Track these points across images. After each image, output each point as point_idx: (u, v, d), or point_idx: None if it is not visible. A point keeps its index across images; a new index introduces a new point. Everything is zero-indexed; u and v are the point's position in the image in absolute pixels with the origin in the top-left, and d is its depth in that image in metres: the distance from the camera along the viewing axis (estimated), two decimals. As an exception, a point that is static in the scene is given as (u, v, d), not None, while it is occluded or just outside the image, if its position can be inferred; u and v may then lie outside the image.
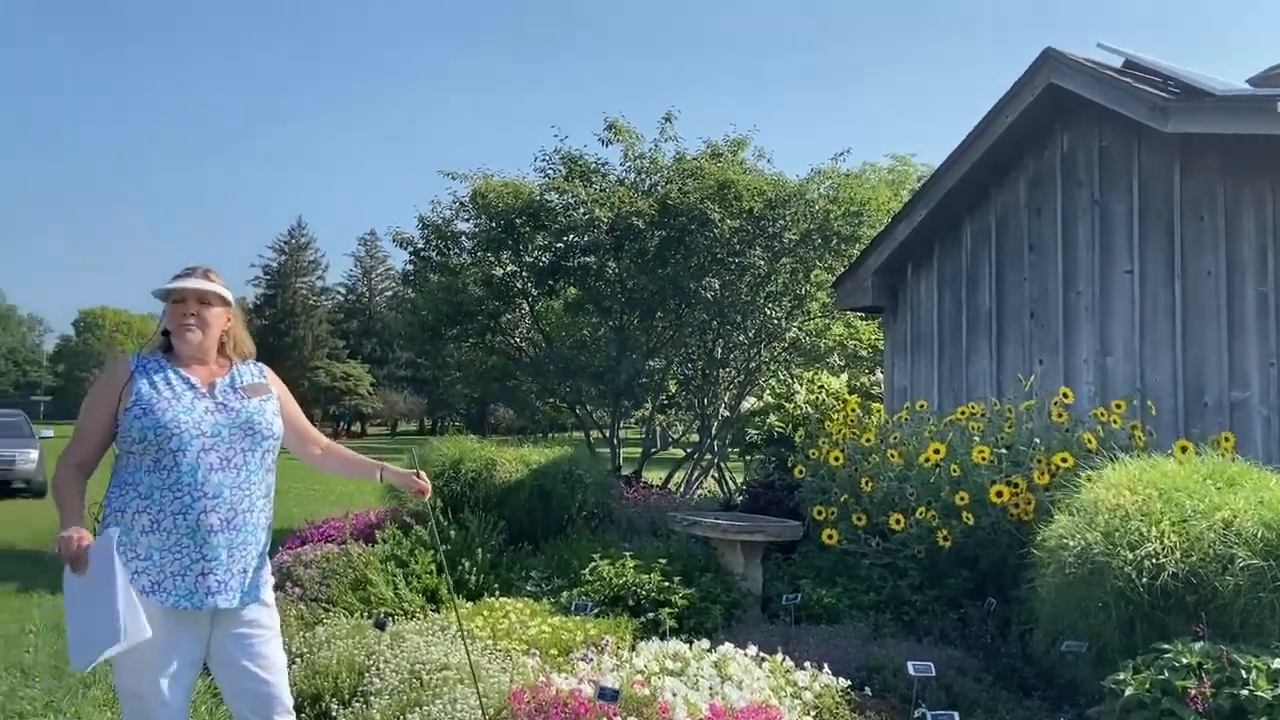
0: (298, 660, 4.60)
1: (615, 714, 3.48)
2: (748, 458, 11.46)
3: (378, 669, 4.32)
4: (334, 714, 4.07)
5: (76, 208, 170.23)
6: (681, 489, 10.85)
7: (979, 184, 7.09)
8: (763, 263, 10.36)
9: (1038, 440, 5.15)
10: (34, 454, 15.82)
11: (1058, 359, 6.48)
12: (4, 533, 10.97)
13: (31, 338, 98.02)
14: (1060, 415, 5.21)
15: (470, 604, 5.44)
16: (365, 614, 5.31)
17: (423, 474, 3.19)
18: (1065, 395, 5.32)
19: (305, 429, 3.17)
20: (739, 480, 10.76)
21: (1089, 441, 4.95)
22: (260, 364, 3.08)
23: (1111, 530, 3.57)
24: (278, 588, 4.96)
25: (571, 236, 10.55)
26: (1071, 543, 3.63)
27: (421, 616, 5.31)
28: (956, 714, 3.39)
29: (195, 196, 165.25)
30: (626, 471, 10.55)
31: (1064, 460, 4.82)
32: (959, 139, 6.96)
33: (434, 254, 11.52)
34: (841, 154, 10.59)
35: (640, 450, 12.60)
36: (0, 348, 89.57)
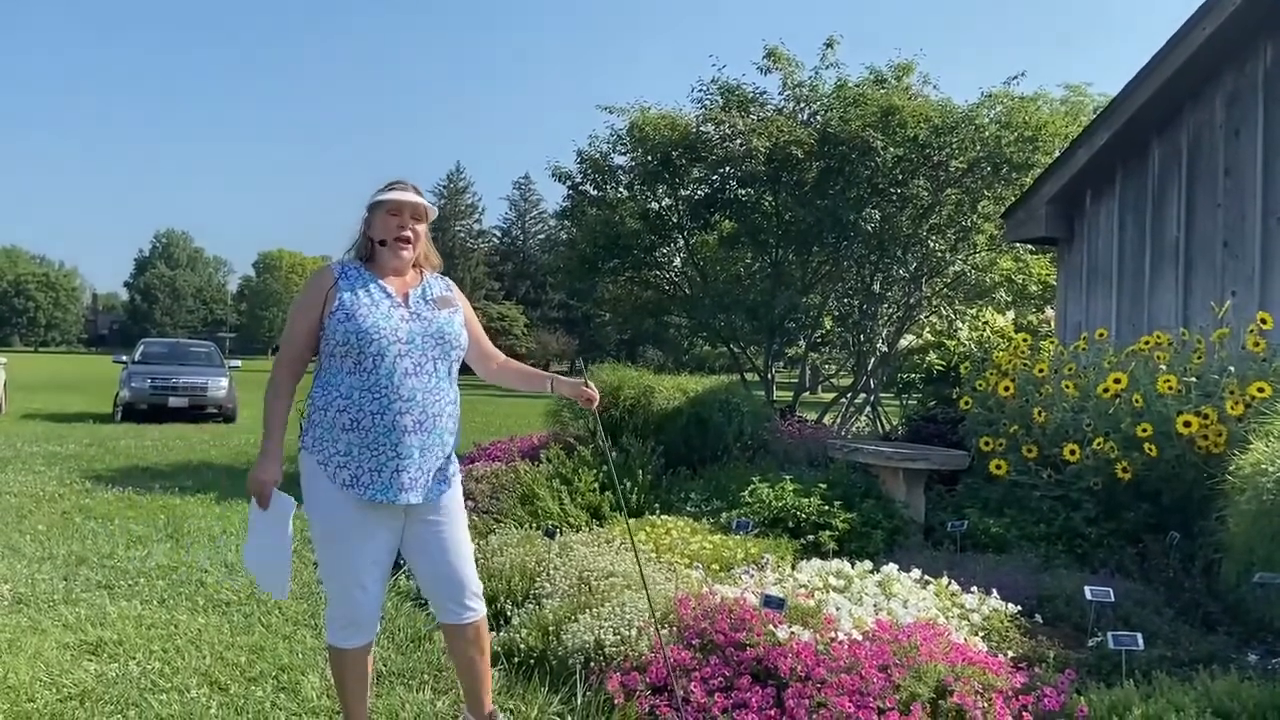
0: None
1: (780, 622, 3.53)
2: (904, 397, 11.21)
3: (548, 575, 4.50)
4: (509, 614, 4.28)
5: (256, 155, 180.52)
6: (836, 425, 10.73)
7: (1170, 103, 6.61)
8: (926, 193, 9.99)
9: (1231, 369, 4.84)
10: (224, 381, 17.01)
11: (1253, 290, 6.04)
12: (202, 451, 11.92)
13: (217, 278, 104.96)
14: (1257, 344, 4.87)
15: (632, 520, 5.59)
16: (533, 526, 5.53)
17: (591, 384, 3.23)
18: (1264, 321, 4.96)
19: (485, 343, 3.27)
20: (894, 421, 10.56)
21: (1290, 371, 4.61)
22: (446, 278, 3.19)
23: (1318, 457, 3.34)
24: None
25: (728, 168, 10.41)
26: (1271, 469, 3.42)
27: (586, 530, 5.49)
28: (1139, 636, 3.27)
29: (360, 143, 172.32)
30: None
31: (1260, 390, 4.52)
32: (1137, 70, 6.52)
33: (591, 188, 11.61)
34: (1015, 77, 10.05)
35: (792, 393, 12.51)
36: (189, 287, 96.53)
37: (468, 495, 6.04)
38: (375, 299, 2.94)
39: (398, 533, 3.01)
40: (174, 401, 16.27)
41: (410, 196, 3.01)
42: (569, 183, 11.71)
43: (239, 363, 19.92)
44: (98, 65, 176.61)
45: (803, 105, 10.48)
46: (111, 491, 8.30)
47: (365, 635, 3.04)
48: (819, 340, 12.59)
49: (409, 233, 3.00)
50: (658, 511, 5.84)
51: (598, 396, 3.24)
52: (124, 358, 18.06)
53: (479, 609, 3.09)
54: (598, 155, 11.28)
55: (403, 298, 3.00)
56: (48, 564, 5.58)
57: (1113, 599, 3.84)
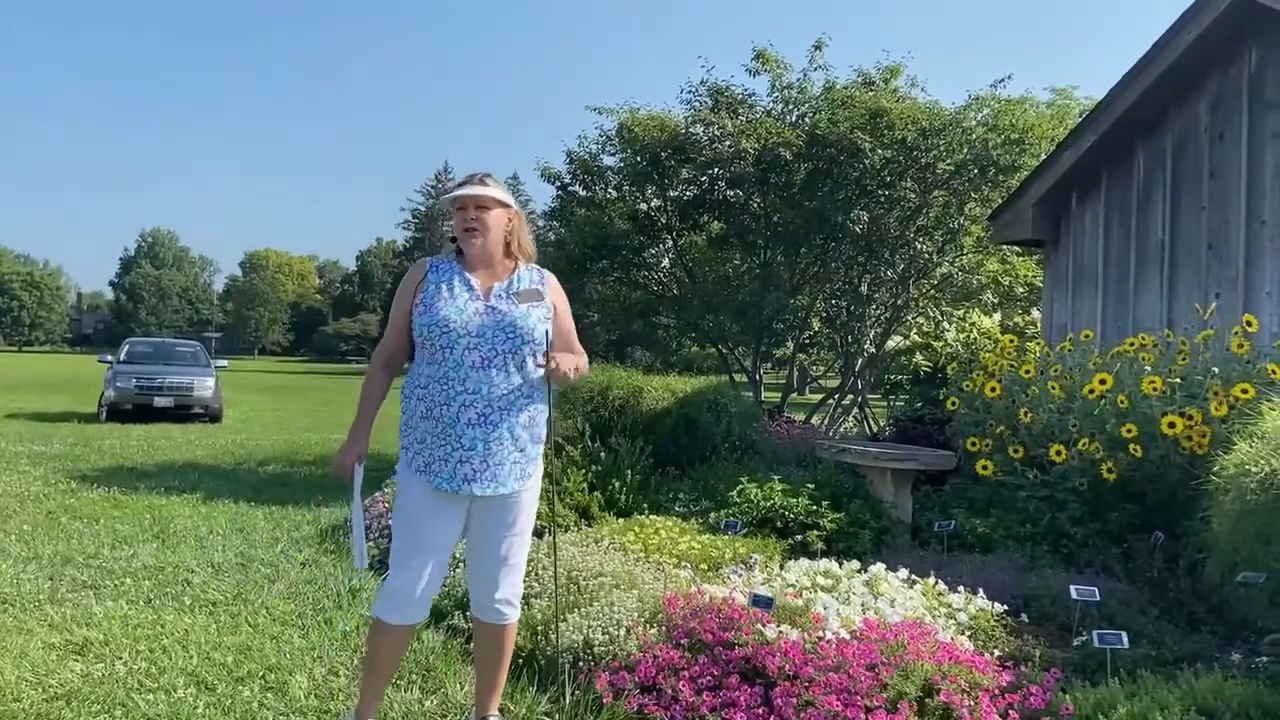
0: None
1: (769, 621, 3.54)
2: (891, 398, 11.25)
3: (536, 575, 4.50)
4: (496, 613, 4.27)
5: (243, 155, 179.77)
6: (824, 426, 10.77)
7: (1155, 107, 6.66)
8: (914, 195, 10.03)
9: (1215, 370, 4.88)
10: (210, 381, 16.94)
11: (1237, 292, 6.09)
12: (188, 451, 11.86)
13: (203, 277, 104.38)
14: (1241, 346, 4.91)
15: (621, 521, 5.60)
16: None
17: (552, 357, 3.01)
18: (1249, 323, 5.01)
19: (570, 342, 3.22)
20: (881, 422, 10.58)
21: (1273, 372, 4.65)
22: (544, 271, 3.23)
23: (1300, 457, 3.37)
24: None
25: (716, 170, 10.42)
26: (1254, 469, 3.45)
27: (575, 530, 5.50)
28: (1124, 635, 3.30)
29: (349, 142, 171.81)
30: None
31: (1244, 392, 4.55)
32: (1122, 74, 6.57)
33: (580, 188, 11.61)
34: (1001, 80, 10.10)
35: (780, 394, 12.54)
36: (175, 287, 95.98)
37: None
38: (455, 292, 3.03)
39: (462, 522, 3.09)
40: (159, 401, 16.20)
41: (471, 190, 3.07)
42: (558, 183, 11.71)
43: (226, 363, 19.83)
44: (84, 62, 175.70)
45: (791, 107, 10.52)
46: (97, 491, 8.26)
47: (409, 616, 3.11)
48: (807, 341, 12.63)
49: (474, 223, 3.06)
50: (646, 511, 5.85)
51: (554, 364, 2.98)
52: (109, 357, 17.98)
53: (509, 615, 3.17)
54: (587, 156, 11.29)
55: (485, 291, 3.05)
56: (33, 564, 5.55)
57: (1098, 598, 3.87)
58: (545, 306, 3.11)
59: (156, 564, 5.63)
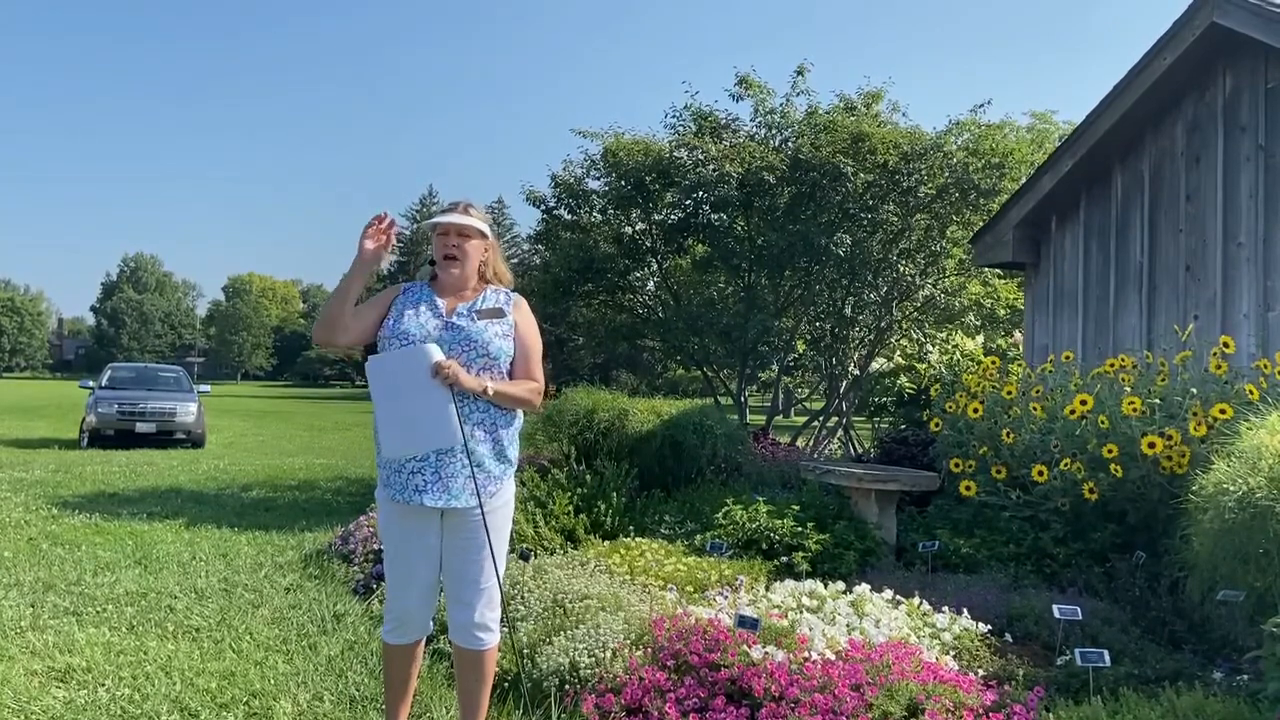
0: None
1: (754, 642, 3.55)
2: (876, 420, 11.29)
3: (523, 598, 4.50)
4: (482, 637, 4.27)
5: (226, 179, 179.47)
6: (809, 448, 10.79)
7: (1132, 131, 6.77)
8: (896, 218, 10.12)
9: (1194, 391, 4.94)
10: (193, 407, 16.84)
11: (1215, 313, 6.17)
12: (171, 476, 11.78)
13: (186, 302, 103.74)
14: (1219, 367, 4.98)
15: (607, 543, 5.61)
16: (508, 549, 5.51)
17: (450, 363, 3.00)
18: (1226, 344, 5.08)
19: (523, 364, 3.21)
20: (865, 444, 10.63)
21: (1251, 393, 4.71)
22: (514, 294, 3.27)
23: (1276, 475, 3.42)
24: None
25: (701, 193, 10.47)
26: (1232, 488, 3.49)
27: (561, 553, 5.49)
28: (1106, 653, 3.32)
29: (332, 166, 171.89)
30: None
31: (1222, 412, 4.61)
32: (1100, 99, 6.69)
33: (565, 211, 11.65)
34: (981, 105, 10.23)
35: (765, 417, 12.57)
36: (157, 311, 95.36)
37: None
38: (419, 310, 3.11)
39: (438, 538, 3.13)
40: (141, 427, 16.08)
41: (454, 218, 3.14)
42: (543, 206, 11.75)
43: (208, 388, 19.72)
44: (66, 85, 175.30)
45: (774, 131, 10.61)
46: (78, 517, 8.19)
47: (407, 635, 3.21)
48: (792, 364, 12.68)
49: (454, 250, 3.14)
50: (632, 533, 5.85)
51: (447, 368, 2.98)
52: (91, 383, 17.85)
53: (486, 640, 3.18)
54: (572, 179, 11.33)
55: (448, 310, 3.13)
56: (14, 591, 5.50)
57: (1081, 617, 3.90)
58: (506, 324, 3.16)
59: (139, 590, 5.59)
